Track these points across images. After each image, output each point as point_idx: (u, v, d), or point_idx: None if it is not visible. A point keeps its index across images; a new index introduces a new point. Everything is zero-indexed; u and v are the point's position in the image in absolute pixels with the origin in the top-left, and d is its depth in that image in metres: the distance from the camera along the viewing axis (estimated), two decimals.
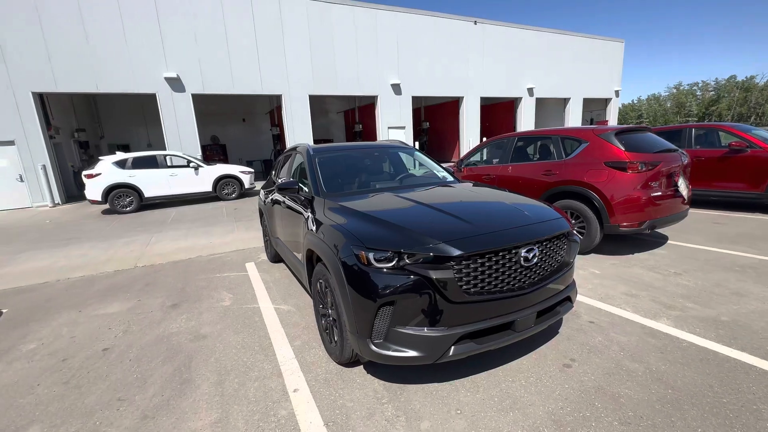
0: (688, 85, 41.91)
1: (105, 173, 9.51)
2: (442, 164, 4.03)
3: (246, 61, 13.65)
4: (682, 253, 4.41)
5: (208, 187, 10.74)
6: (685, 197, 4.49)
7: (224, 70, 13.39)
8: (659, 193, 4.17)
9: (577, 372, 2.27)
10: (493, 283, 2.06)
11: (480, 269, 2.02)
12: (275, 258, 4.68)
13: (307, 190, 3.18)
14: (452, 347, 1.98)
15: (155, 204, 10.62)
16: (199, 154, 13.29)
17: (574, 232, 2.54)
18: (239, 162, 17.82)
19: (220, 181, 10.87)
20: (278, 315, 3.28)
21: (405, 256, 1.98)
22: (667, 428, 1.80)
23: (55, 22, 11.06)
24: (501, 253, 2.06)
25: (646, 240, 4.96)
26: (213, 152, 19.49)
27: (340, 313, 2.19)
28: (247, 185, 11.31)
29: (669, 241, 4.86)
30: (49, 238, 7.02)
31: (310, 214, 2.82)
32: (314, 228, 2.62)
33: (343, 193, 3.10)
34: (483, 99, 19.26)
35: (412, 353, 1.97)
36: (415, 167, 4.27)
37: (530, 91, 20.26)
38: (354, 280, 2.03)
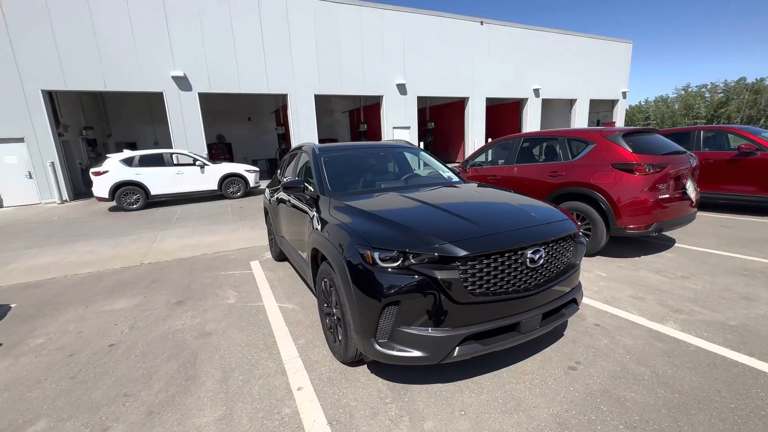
0: (696, 86, 41.43)
1: (112, 171, 9.60)
2: (447, 164, 4.02)
3: (252, 61, 13.72)
4: (689, 256, 4.36)
5: (214, 186, 10.80)
6: (693, 200, 4.45)
7: (231, 70, 13.46)
8: (667, 196, 4.13)
9: (582, 375, 2.25)
10: (499, 284, 2.05)
11: (485, 270, 2.01)
12: (280, 256, 4.70)
13: (312, 189, 3.18)
14: (457, 348, 1.97)
15: (161, 202, 10.71)
16: (205, 152, 13.37)
17: (581, 233, 2.52)
18: (244, 161, 17.90)
19: (226, 179, 10.93)
20: (282, 313, 3.29)
21: (410, 256, 1.98)
22: None
23: (65, 21, 11.19)
24: (507, 254, 2.05)
25: (653, 243, 4.92)
26: (219, 151, 19.60)
27: (344, 312, 2.20)
28: (252, 184, 11.37)
29: (676, 244, 4.81)
30: (57, 234, 7.10)
31: (315, 213, 2.82)
32: (319, 227, 2.63)
33: (348, 192, 3.11)
34: (488, 99, 19.20)
35: (416, 353, 1.97)
36: (420, 167, 4.27)
37: (536, 92, 20.16)
38: (359, 279, 2.03)
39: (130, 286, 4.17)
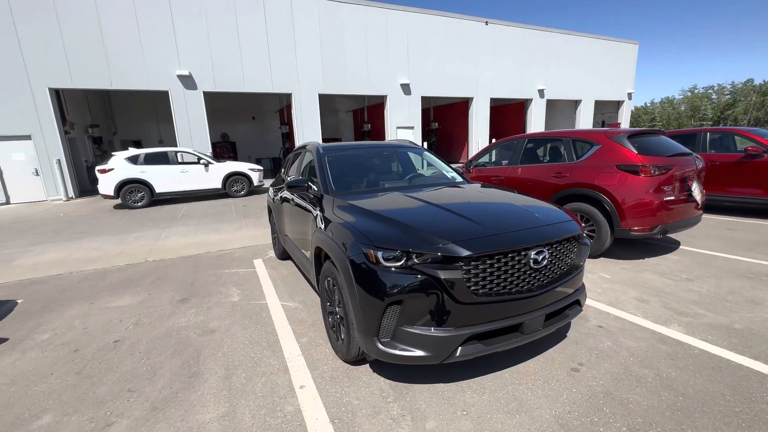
0: (703, 88, 41.13)
1: (117, 169, 9.68)
2: (451, 165, 4.01)
3: (257, 60, 13.77)
4: (694, 259, 4.33)
5: (218, 184, 10.85)
6: (699, 202, 4.41)
7: (235, 69, 13.52)
8: (672, 198, 4.10)
9: (585, 376, 2.25)
10: (502, 284, 2.05)
11: (489, 270, 2.01)
12: (283, 255, 4.71)
13: (316, 189, 3.19)
14: (459, 348, 1.98)
15: (166, 200, 10.77)
16: (209, 151, 13.44)
17: (584, 235, 2.51)
18: (248, 160, 17.96)
19: (230, 178, 10.98)
20: (285, 312, 3.31)
21: (414, 256, 1.98)
22: None
23: (72, 20, 11.29)
24: (510, 255, 2.05)
25: (657, 245, 4.89)
26: (223, 149, 19.67)
27: (347, 311, 2.20)
28: (256, 183, 11.41)
29: (681, 247, 4.78)
30: (63, 231, 7.17)
31: (318, 212, 2.83)
32: (323, 226, 2.64)
33: (352, 191, 3.11)
34: (493, 100, 19.15)
35: (418, 353, 1.97)
36: (423, 167, 4.27)
37: (541, 92, 20.09)
38: (362, 278, 2.04)
39: (135, 283, 4.20)
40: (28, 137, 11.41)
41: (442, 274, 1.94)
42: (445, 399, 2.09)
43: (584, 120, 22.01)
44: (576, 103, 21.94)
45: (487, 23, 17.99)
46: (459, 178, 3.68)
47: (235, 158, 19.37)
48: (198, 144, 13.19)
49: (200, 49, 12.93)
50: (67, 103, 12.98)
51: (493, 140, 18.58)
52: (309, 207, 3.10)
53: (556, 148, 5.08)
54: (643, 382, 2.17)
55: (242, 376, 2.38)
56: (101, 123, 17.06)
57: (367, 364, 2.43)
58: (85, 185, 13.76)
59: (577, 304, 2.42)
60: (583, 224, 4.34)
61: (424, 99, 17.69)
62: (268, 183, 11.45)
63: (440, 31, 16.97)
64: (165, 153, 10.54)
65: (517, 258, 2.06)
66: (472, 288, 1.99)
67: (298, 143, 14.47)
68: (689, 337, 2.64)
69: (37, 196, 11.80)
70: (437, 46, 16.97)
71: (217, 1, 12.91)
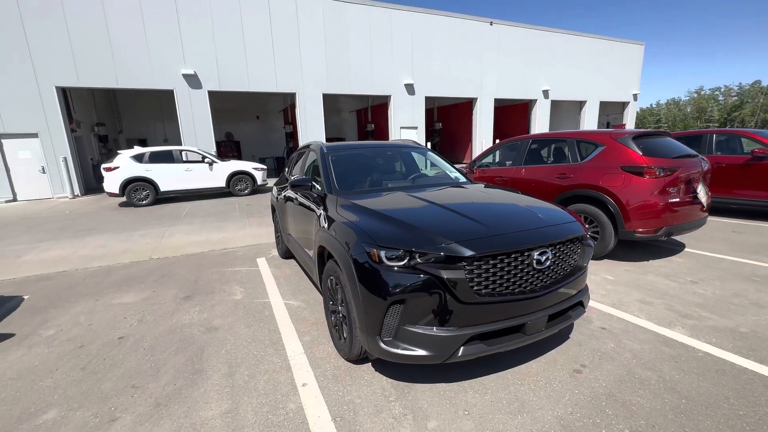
0: (709, 89, 40.75)
1: (123, 167, 9.75)
2: (454, 165, 4.01)
3: (262, 60, 13.82)
4: (699, 261, 4.30)
5: (222, 183, 10.90)
6: (704, 204, 4.38)
7: (240, 68, 13.58)
8: (677, 200, 4.08)
9: (587, 378, 2.24)
10: (505, 284, 2.05)
11: (491, 270, 2.01)
12: (286, 254, 4.73)
13: (319, 188, 3.20)
14: (461, 348, 1.98)
15: (170, 198, 10.83)
16: (213, 150, 13.51)
17: (588, 236, 2.50)
18: (252, 159, 18.01)
19: (234, 177, 11.03)
20: (288, 310, 3.32)
21: (416, 255, 1.99)
22: None
23: (79, 19, 11.38)
24: (513, 255, 2.05)
25: (662, 247, 4.86)
26: (227, 148, 19.74)
27: (350, 310, 2.21)
28: (259, 182, 11.45)
29: (686, 249, 4.75)
30: (69, 228, 7.23)
31: (322, 211, 2.84)
32: (326, 225, 2.65)
33: (355, 191, 3.12)
34: (497, 100, 19.10)
35: (421, 352, 1.97)
36: (427, 167, 4.27)
37: (545, 93, 20.01)
38: (365, 277, 2.05)
39: (139, 281, 4.23)
40: (35, 135, 11.53)
41: (445, 274, 1.94)
42: (447, 399, 2.09)
43: (589, 121, 21.89)
44: (581, 104, 21.83)
45: (491, 23, 17.95)
46: (462, 179, 3.68)
47: (239, 157, 19.40)
48: (202, 143, 13.26)
49: (205, 48, 13.00)
50: (73, 101, 13.10)
51: (497, 141, 18.54)
52: (312, 206, 3.11)
53: (560, 149, 5.07)
54: (646, 384, 2.16)
55: (245, 374, 2.39)
56: (107, 121, 17.18)
57: (369, 363, 2.44)
58: (91, 183, 13.87)
59: (580, 305, 2.41)
60: (587, 225, 4.34)
61: (428, 99, 17.67)
62: (271, 182, 11.51)
63: (445, 31, 16.95)
64: (170, 152, 10.61)
65: (520, 258, 2.06)
66: (475, 288, 1.99)
67: (301, 143, 14.50)
68: (693, 339, 2.63)
69: (44, 194, 11.92)
70: (442, 46, 16.95)
71: (222, 1, 12.97)
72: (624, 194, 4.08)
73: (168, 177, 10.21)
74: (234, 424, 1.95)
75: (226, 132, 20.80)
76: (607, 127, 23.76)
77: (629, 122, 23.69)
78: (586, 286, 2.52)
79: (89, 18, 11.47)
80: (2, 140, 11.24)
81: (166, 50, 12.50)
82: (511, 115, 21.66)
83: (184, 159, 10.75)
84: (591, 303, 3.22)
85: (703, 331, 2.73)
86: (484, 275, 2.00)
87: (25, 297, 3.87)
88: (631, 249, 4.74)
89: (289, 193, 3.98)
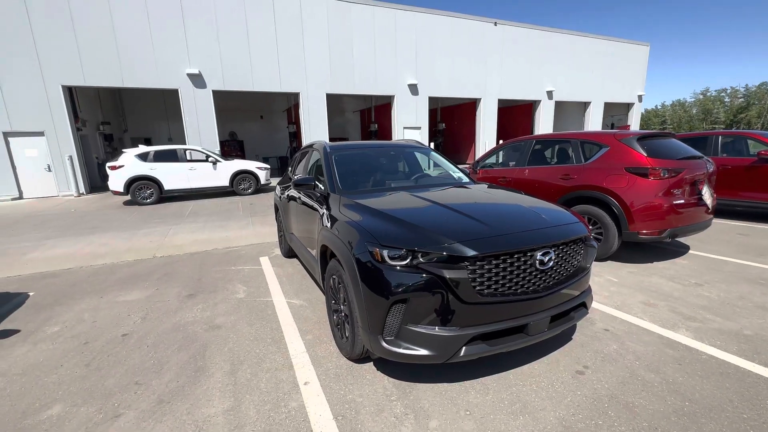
0: (715, 91, 40.42)
1: (128, 165, 9.81)
2: (457, 165, 4.01)
3: (266, 59, 13.87)
4: (704, 263, 4.27)
5: (225, 182, 10.95)
6: (709, 206, 4.35)
7: (244, 68, 13.63)
8: (682, 201, 4.05)
9: (590, 379, 2.23)
10: (507, 285, 2.05)
11: (494, 271, 2.01)
12: (289, 253, 4.74)
13: (323, 187, 3.21)
14: (463, 348, 1.98)
15: (174, 197, 10.89)
16: (217, 149, 13.57)
17: (592, 237, 2.49)
18: (256, 158, 18.08)
19: (237, 176, 11.08)
20: (291, 309, 3.33)
21: (419, 255, 1.99)
22: None
23: (86, 19, 11.48)
24: (516, 255, 2.04)
25: (666, 249, 4.83)
26: (231, 148, 19.83)
27: (352, 309, 2.21)
28: (263, 181, 11.49)
29: (690, 251, 4.72)
30: (74, 226, 7.29)
31: (325, 210, 2.85)
32: (329, 224, 2.65)
33: (358, 190, 3.12)
34: (501, 101, 19.06)
35: (423, 352, 1.97)
36: (430, 167, 4.27)
37: (549, 94, 19.94)
38: (367, 276, 2.05)
39: (143, 279, 4.26)
40: (41, 134, 11.63)
41: (448, 274, 1.94)
42: (449, 398, 2.09)
43: (593, 122, 21.80)
44: (585, 105, 21.74)
45: (495, 24, 17.91)
46: (465, 179, 3.68)
47: (242, 157, 19.46)
48: (206, 142, 13.32)
49: (210, 48, 13.06)
50: (79, 100, 13.22)
51: (501, 141, 18.50)
52: (315, 205, 3.12)
53: (564, 150, 5.05)
54: (649, 387, 2.15)
55: (247, 372, 2.40)
56: (112, 120, 17.32)
57: (371, 362, 2.44)
58: (96, 181, 13.98)
59: (583, 306, 2.40)
60: (590, 227, 4.32)
61: (432, 99, 17.66)
62: (274, 181, 11.56)
63: (448, 31, 16.93)
64: (174, 151, 10.66)
65: (522, 259, 2.06)
66: (478, 288, 1.99)
67: (305, 142, 14.54)
68: (697, 342, 2.61)
69: (49, 192, 12.02)
70: (445, 46, 16.94)
71: (227, 1, 13.03)
72: (628, 195, 4.06)
73: (172, 176, 10.27)
74: (236, 422, 1.96)
75: (230, 131, 20.91)
76: (612, 129, 23.64)
77: (634, 123, 23.57)
78: (589, 287, 2.51)
79: (95, 18, 11.57)
80: (9, 138, 11.35)
81: (171, 50, 12.57)
82: (515, 115, 21.61)
83: (188, 158, 10.81)
84: (594, 304, 3.20)
85: (708, 334, 2.72)
86: (486, 275, 2.00)
87: (31, 294, 3.91)
88: (634, 250, 4.72)
89: (292, 192, 3.99)
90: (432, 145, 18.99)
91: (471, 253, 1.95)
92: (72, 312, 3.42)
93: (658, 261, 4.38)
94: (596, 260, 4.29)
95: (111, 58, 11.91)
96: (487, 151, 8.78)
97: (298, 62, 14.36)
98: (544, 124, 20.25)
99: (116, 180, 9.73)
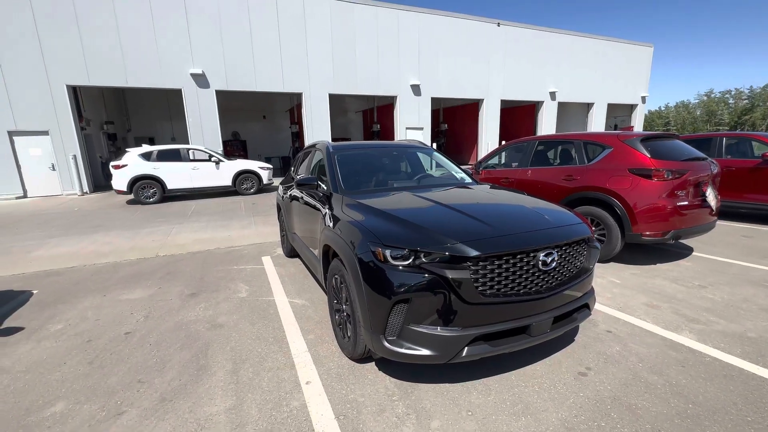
0: (720, 92, 40.16)
1: (131, 165, 9.86)
2: (460, 166, 4.01)
3: (269, 59, 13.91)
4: (707, 265, 4.25)
5: (228, 182, 10.98)
6: (713, 208, 4.33)
7: (247, 68, 13.68)
8: (685, 203, 4.03)
9: (592, 381, 2.22)
10: (510, 285, 2.04)
11: (497, 271, 2.00)
12: (291, 253, 4.75)
13: (325, 187, 3.21)
14: (466, 348, 1.97)
15: (177, 196, 10.93)
16: (220, 149, 13.61)
17: (595, 238, 2.49)
18: (258, 158, 18.13)
19: (240, 176, 11.11)
20: (293, 308, 3.34)
21: (421, 255, 1.99)
22: None
23: (90, 19, 11.55)
24: (519, 256, 2.04)
25: (669, 250, 4.81)
26: (233, 148, 19.88)
27: (354, 308, 2.21)
28: (265, 181, 11.52)
29: (694, 253, 4.70)
30: (78, 225, 7.33)
31: (327, 210, 2.85)
32: (331, 224, 2.66)
33: (361, 190, 3.13)
34: (503, 102, 19.04)
35: (425, 352, 1.97)
36: (432, 168, 4.27)
37: (552, 95, 19.90)
38: (370, 276, 2.05)
39: (146, 277, 4.27)
40: (45, 133, 11.70)
41: (450, 274, 1.93)
42: (451, 399, 2.09)
43: (596, 123, 21.73)
44: (588, 106, 21.68)
45: (498, 24, 17.89)
46: (468, 179, 3.67)
47: (245, 156, 19.52)
48: (209, 142, 13.37)
49: (213, 48, 13.11)
50: (83, 100, 13.28)
51: (503, 142, 18.46)
52: (318, 205, 3.13)
53: (566, 151, 5.03)
54: (652, 389, 2.14)
55: (249, 371, 2.41)
56: (116, 120, 17.40)
57: (373, 362, 2.44)
58: (99, 180, 14.05)
59: (585, 307, 2.39)
60: (593, 228, 4.31)
61: (434, 100, 17.66)
62: (277, 181, 11.58)
63: (451, 32, 16.93)
64: (177, 150, 10.70)
65: (525, 259, 2.05)
66: (480, 288, 1.98)
67: (307, 142, 14.57)
68: (701, 344, 2.59)
69: (53, 191, 12.09)
70: (448, 47, 16.93)
71: (231, 1, 13.08)
72: (631, 197, 4.04)
73: (175, 175, 10.31)
74: (238, 420, 1.96)
75: (233, 131, 20.96)
76: (615, 130, 23.56)
77: (637, 125, 23.48)
78: (592, 288, 2.50)
79: (100, 18, 11.64)
80: (14, 137, 11.43)
81: (174, 50, 12.63)
82: (518, 116, 21.57)
83: (191, 158, 10.85)
84: (597, 306, 3.19)
85: (711, 336, 2.70)
86: (489, 276, 2.00)
87: (35, 292, 3.93)
88: (638, 252, 4.70)
89: (295, 192, 3.99)
90: (434, 145, 18.98)
91: (473, 253, 1.95)
92: (75, 310, 3.44)
93: (661, 263, 4.36)
94: (599, 261, 4.28)
95: (115, 58, 11.97)
96: (489, 151, 8.76)
97: (300, 62, 14.40)
98: (546, 124, 20.21)
99: (120, 179, 9.78)
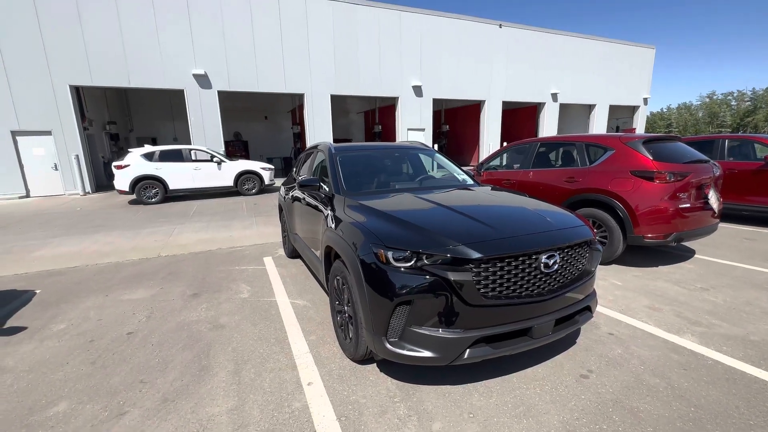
0: (722, 94, 40.04)
1: (133, 165, 9.89)
2: (462, 167, 4.01)
3: (271, 60, 13.94)
4: (710, 268, 4.24)
5: (230, 182, 11.01)
6: (716, 210, 4.32)
7: (250, 69, 13.71)
8: (687, 205, 4.03)
9: (594, 383, 2.22)
10: (512, 287, 2.04)
11: (499, 273, 2.01)
12: (293, 254, 4.76)
13: (327, 188, 3.22)
14: (467, 350, 1.97)
15: (179, 196, 10.95)
16: (222, 149, 13.64)
17: (597, 240, 2.48)
18: (260, 159, 18.16)
19: (242, 176, 11.13)
20: (294, 309, 3.34)
21: (423, 257, 1.99)
22: None
23: (93, 19, 11.60)
24: (521, 258, 2.04)
25: (671, 253, 4.80)
26: (235, 148, 19.92)
27: (356, 310, 2.22)
28: (267, 181, 11.54)
29: (696, 256, 4.69)
30: (80, 224, 7.35)
31: (329, 211, 2.86)
32: (333, 225, 2.66)
33: (363, 192, 3.13)
34: (505, 103, 19.04)
35: (426, 353, 1.97)
36: (434, 169, 4.27)
37: (554, 96, 19.89)
38: (372, 278, 2.05)
39: (148, 277, 4.28)
40: (48, 133, 11.75)
41: (452, 276, 1.94)
42: (452, 401, 2.09)
43: (598, 125, 21.70)
44: (590, 108, 21.66)
45: (500, 26, 17.90)
46: (470, 181, 3.67)
47: (247, 157, 19.57)
48: (211, 142, 13.40)
49: (216, 49, 13.15)
50: (86, 100, 13.34)
51: (505, 143, 18.45)
52: (320, 206, 3.13)
53: (568, 153, 5.03)
54: (654, 392, 2.13)
55: (251, 372, 2.41)
56: (118, 120, 17.45)
57: (375, 364, 2.44)
58: (102, 180, 14.09)
59: (587, 310, 2.39)
60: (595, 230, 4.30)
61: (436, 101, 17.67)
62: (278, 182, 11.60)
63: (453, 33, 16.94)
64: (179, 150, 10.73)
65: (527, 262, 2.06)
66: (482, 290, 1.98)
67: (309, 143, 14.59)
68: (703, 347, 2.59)
69: (56, 190, 12.13)
70: (450, 48, 16.94)
71: (234, 1, 13.12)
72: (633, 199, 4.04)
73: (177, 175, 10.33)
74: (240, 421, 1.97)
75: (235, 132, 21.00)
76: (617, 131, 23.53)
77: (639, 126, 23.44)
78: (594, 291, 2.50)
79: (103, 18, 11.69)
80: (17, 137, 11.48)
81: (177, 50, 12.67)
82: (520, 118, 21.56)
83: (193, 158, 10.87)
84: (598, 308, 3.19)
85: (713, 339, 2.69)
86: (491, 278, 2.00)
87: (37, 291, 3.95)
88: (639, 254, 4.69)
89: (297, 193, 4.00)
90: (436, 146, 18.98)
91: (475, 255, 1.95)
92: (78, 310, 3.45)
93: (663, 265, 4.35)
94: (601, 264, 4.27)
95: (118, 59, 12.02)
96: (491, 153, 8.76)
97: (302, 63, 14.42)
98: (548, 126, 20.20)
99: (122, 179, 9.80)
